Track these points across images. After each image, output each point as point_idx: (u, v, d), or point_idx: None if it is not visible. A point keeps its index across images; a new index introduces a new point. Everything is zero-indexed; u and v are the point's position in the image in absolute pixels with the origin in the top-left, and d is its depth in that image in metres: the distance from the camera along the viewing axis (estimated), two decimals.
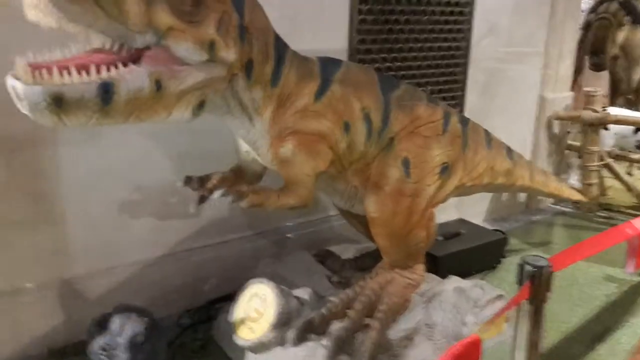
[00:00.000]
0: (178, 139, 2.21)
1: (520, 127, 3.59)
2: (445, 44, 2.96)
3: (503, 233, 3.01)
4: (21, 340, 2.03)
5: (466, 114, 3.05)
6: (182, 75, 1.40)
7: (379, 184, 1.90)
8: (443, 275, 2.33)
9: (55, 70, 1.22)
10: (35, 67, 1.23)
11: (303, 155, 1.72)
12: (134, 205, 2.19)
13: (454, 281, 2.27)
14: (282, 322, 1.86)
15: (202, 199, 1.81)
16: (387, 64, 2.75)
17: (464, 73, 3.11)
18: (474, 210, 3.39)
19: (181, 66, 1.40)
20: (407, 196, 1.90)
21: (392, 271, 2.03)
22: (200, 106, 1.50)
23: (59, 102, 1.22)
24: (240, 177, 1.98)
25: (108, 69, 1.29)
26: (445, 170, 2.00)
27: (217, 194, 1.61)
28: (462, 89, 3.13)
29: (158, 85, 1.36)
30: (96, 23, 1.23)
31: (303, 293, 2.05)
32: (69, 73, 1.24)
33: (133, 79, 1.31)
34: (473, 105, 3.21)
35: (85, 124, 1.29)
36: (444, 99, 3.04)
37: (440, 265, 2.58)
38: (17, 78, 1.23)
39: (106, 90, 1.27)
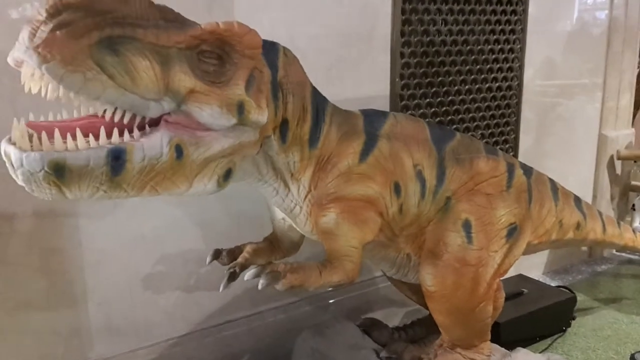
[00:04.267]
0: (206, 204, 2.01)
1: (579, 168, 3.29)
2: (495, 84, 2.71)
3: (571, 291, 2.68)
4: None
5: (520, 158, 2.80)
6: (206, 142, 1.17)
7: (436, 252, 1.64)
8: (506, 344, 2.04)
9: (57, 134, 1.01)
10: (34, 128, 1.03)
11: (348, 224, 1.47)
12: (159, 278, 1.98)
13: (522, 355, 1.97)
14: None
15: (233, 277, 1.58)
16: (434, 109, 2.51)
17: (517, 114, 2.84)
18: (531, 262, 3.07)
19: (205, 131, 1.17)
20: (471, 266, 1.63)
21: (454, 352, 1.75)
22: (227, 176, 1.27)
23: (60, 172, 1.00)
24: (276, 247, 1.74)
25: (121, 133, 1.08)
26: (514, 232, 1.72)
27: (248, 275, 1.37)
28: (515, 130, 2.86)
29: (179, 152, 1.13)
30: (104, 94, 1.01)
31: None
32: (74, 137, 1.03)
33: (149, 144, 1.09)
34: (527, 147, 2.94)
35: (90, 197, 1.06)
36: (496, 142, 2.78)
37: (503, 332, 2.28)
38: (13, 143, 1.02)
39: (117, 158, 1.05)
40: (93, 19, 1.00)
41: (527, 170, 1.91)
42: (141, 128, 1.11)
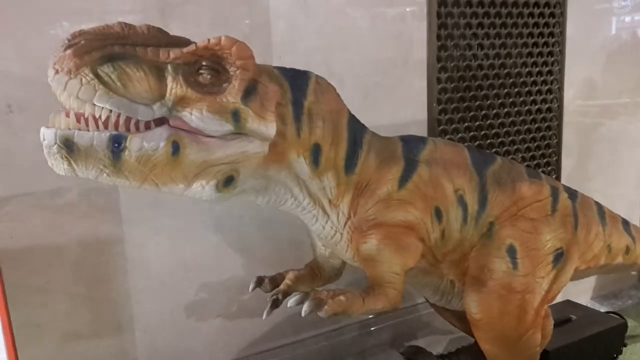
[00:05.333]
0: (247, 231, 2.04)
1: (626, 190, 3.19)
2: (535, 107, 2.68)
3: (621, 317, 2.58)
4: None
5: (563, 180, 2.75)
6: (207, 146, 1.24)
7: (480, 278, 1.61)
8: None
9: (72, 115, 1.16)
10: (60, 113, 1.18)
11: (389, 251, 1.47)
12: (202, 305, 2.00)
13: None
14: None
15: (275, 304, 1.59)
16: (472, 133, 2.50)
17: (558, 136, 2.79)
18: (579, 287, 2.97)
19: (207, 137, 1.24)
20: (517, 292, 1.60)
21: None
22: (228, 182, 1.30)
23: (70, 147, 1.15)
24: (317, 274, 1.75)
25: (127, 128, 1.18)
26: (560, 257, 1.69)
27: (291, 302, 1.37)
28: (557, 153, 2.81)
29: (175, 148, 1.21)
30: (96, 96, 1.13)
31: None
32: (87, 122, 1.16)
33: (148, 137, 1.19)
34: (570, 170, 2.87)
35: (97, 176, 1.20)
36: (537, 165, 2.73)
37: None
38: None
39: (117, 143, 1.17)
40: (100, 41, 1.15)
41: (572, 194, 1.87)
42: (148, 127, 1.21)
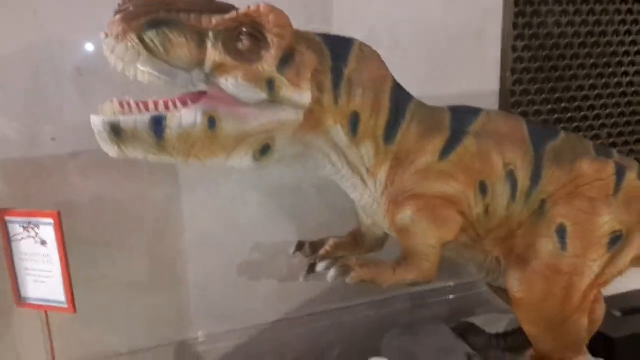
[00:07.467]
0: (301, 196, 2.07)
1: None
2: (626, 79, 2.46)
3: None
4: None
5: None
6: (241, 116, 1.28)
7: (524, 257, 1.53)
8: None
9: (116, 103, 1.24)
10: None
11: (425, 222, 1.44)
12: (254, 265, 2.07)
13: None
14: None
15: (312, 268, 1.61)
16: (550, 106, 2.35)
17: None
18: None
19: (242, 107, 1.28)
20: (563, 274, 1.51)
21: None
22: (264, 152, 1.33)
23: (117, 132, 1.23)
24: (360, 243, 1.75)
25: (166, 107, 1.26)
26: (618, 240, 1.56)
27: (320, 267, 1.40)
28: None
29: (211, 122, 1.25)
30: (139, 60, 1.20)
31: None
32: (130, 107, 1.25)
33: (185, 114, 1.24)
34: None
35: (145, 157, 1.27)
36: (626, 143, 2.53)
37: (618, 349, 2.07)
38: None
39: (158, 123, 1.23)
40: (147, 7, 1.21)
41: None
42: (185, 105, 1.27)
